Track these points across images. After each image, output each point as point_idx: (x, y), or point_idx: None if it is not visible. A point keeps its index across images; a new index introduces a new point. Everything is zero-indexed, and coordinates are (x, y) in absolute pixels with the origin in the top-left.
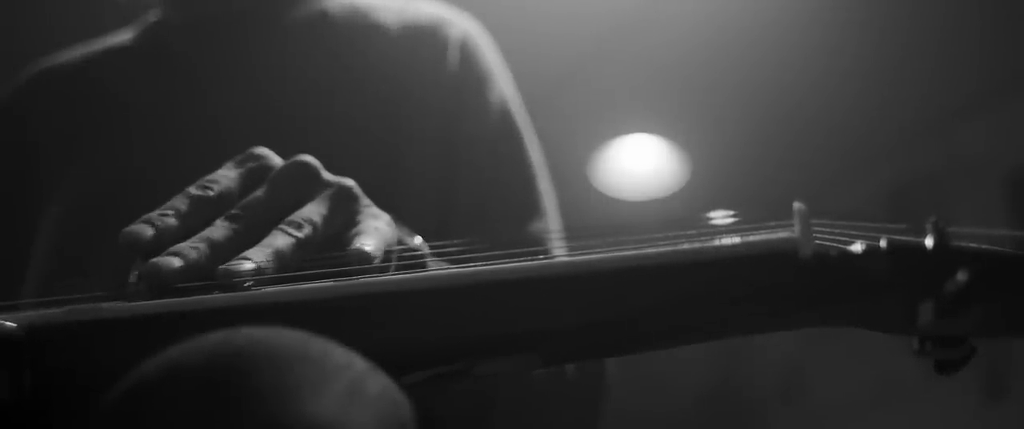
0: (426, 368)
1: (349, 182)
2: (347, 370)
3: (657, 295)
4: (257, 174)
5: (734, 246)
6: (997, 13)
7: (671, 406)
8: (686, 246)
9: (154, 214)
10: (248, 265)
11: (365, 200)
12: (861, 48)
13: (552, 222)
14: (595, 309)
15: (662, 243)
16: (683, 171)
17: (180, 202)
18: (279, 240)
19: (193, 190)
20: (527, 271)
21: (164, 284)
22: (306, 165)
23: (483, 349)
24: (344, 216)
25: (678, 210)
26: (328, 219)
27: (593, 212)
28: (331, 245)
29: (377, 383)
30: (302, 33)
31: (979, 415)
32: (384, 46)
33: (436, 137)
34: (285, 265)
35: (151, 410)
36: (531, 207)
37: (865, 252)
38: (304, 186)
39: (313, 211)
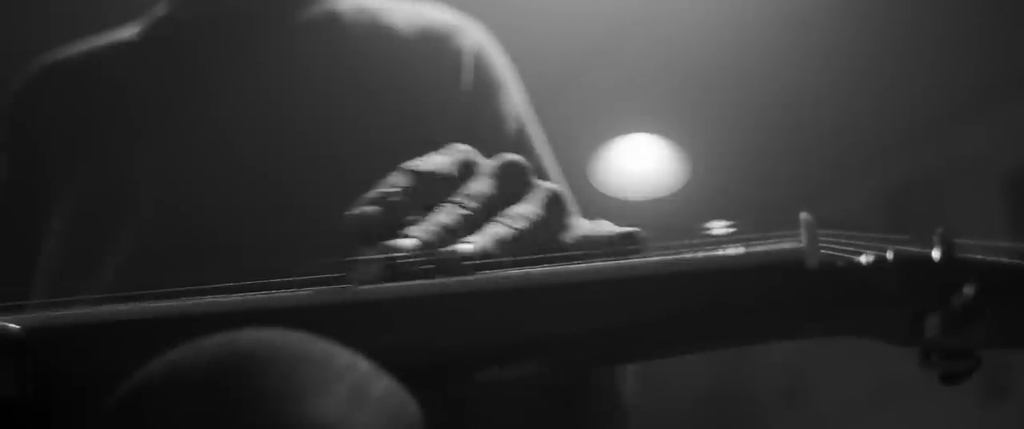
0: (430, 373)
1: (560, 189)
2: (350, 372)
3: (663, 304)
4: (467, 166)
5: (740, 256)
6: (997, 13)
7: (672, 407)
8: (690, 255)
9: (377, 193)
10: (471, 248)
11: (573, 209)
12: (861, 47)
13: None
14: (600, 317)
15: (666, 252)
16: (683, 171)
17: (402, 179)
18: (500, 230)
19: (414, 167)
20: (532, 279)
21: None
22: (522, 166)
23: (492, 356)
24: (557, 223)
25: (678, 210)
26: (543, 221)
27: (593, 212)
28: (539, 248)
29: (381, 385)
30: (312, 34)
31: (979, 415)
32: (397, 52)
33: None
34: (505, 255)
35: (153, 411)
36: None
37: (872, 264)
38: (519, 185)
39: (530, 211)
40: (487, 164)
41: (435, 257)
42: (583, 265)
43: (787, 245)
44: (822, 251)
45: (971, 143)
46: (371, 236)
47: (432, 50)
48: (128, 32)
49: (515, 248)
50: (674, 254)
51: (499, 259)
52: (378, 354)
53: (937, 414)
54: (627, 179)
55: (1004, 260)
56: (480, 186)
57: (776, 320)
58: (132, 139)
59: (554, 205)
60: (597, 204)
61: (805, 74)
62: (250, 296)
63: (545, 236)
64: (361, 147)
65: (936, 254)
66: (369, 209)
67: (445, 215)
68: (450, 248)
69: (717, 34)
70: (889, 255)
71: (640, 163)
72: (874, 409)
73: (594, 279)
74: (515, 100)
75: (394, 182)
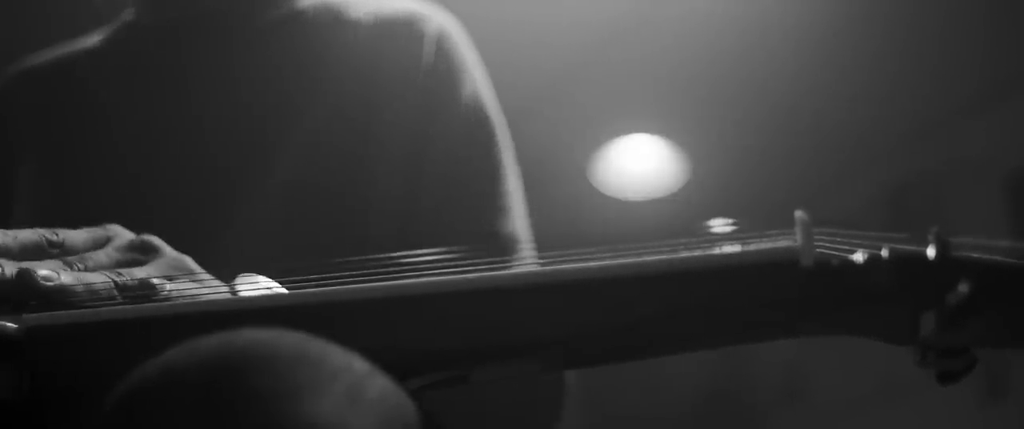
0: (433, 372)
1: (185, 259)
2: (346, 372)
3: (659, 303)
4: (104, 242)
5: (736, 255)
6: (997, 13)
7: (672, 407)
8: (687, 254)
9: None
10: (47, 273)
11: (199, 272)
12: (861, 47)
13: (517, 221)
14: (597, 316)
15: (662, 250)
16: (683, 171)
17: (26, 232)
18: (94, 277)
19: (41, 229)
20: (532, 278)
21: None
22: (148, 242)
23: (490, 355)
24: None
25: (678, 210)
26: (143, 282)
27: (593, 212)
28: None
29: (377, 385)
30: (276, 34)
31: (979, 415)
32: (357, 44)
33: (407, 135)
34: (93, 296)
35: (151, 412)
36: (493, 205)
37: (867, 262)
38: (142, 257)
39: (140, 270)
40: (123, 239)
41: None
42: (577, 265)
43: (783, 243)
44: (817, 250)
45: (972, 143)
46: None
47: (393, 41)
48: (96, 37)
49: (112, 293)
50: (671, 253)
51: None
52: (374, 354)
53: (937, 413)
54: (627, 179)
55: (1000, 259)
56: (96, 255)
57: (772, 318)
58: (102, 143)
59: (172, 269)
60: (597, 204)
61: (805, 74)
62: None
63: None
64: (320, 146)
65: (931, 252)
66: None
67: (44, 264)
68: (28, 268)
69: (717, 35)
70: (884, 253)
71: (640, 163)
72: (874, 408)
73: (592, 278)
74: (474, 87)
75: (16, 231)
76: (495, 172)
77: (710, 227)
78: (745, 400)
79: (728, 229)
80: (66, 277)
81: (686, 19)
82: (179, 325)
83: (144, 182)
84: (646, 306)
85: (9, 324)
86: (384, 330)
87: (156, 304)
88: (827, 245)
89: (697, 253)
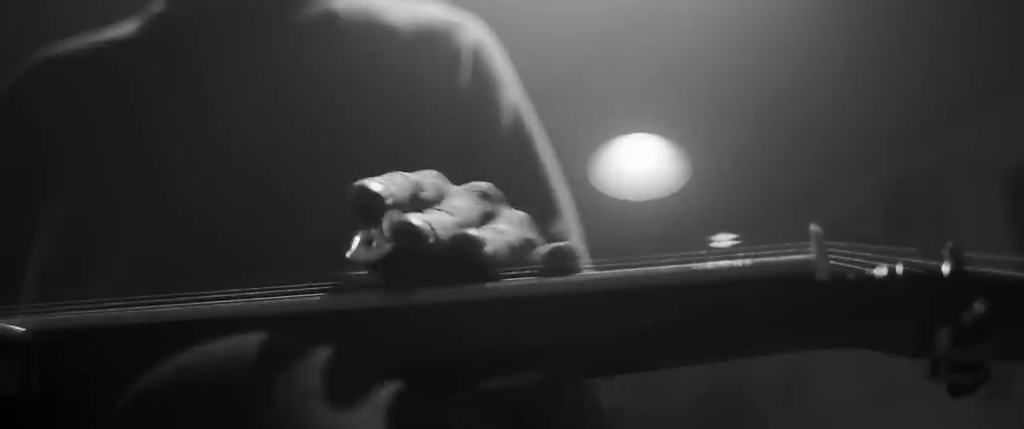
0: (438, 380)
1: (524, 215)
2: (357, 375)
3: (672, 315)
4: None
5: (751, 267)
6: (995, 13)
7: (671, 407)
8: (698, 266)
9: (381, 177)
10: (480, 235)
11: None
12: (860, 46)
13: (570, 222)
14: (609, 327)
15: (672, 261)
16: (683, 171)
17: (398, 177)
18: (505, 237)
19: (405, 173)
20: (541, 288)
21: (415, 240)
22: (498, 192)
23: (496, 364)
24: (533, 243)
25: (678, 211)
26: (526, 240)
27: (593, 212)
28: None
29: (391, 391)
30: (309, 33)
31: (979, 415)
32: (395, 50)
33: (447, 145)
34: (509, 262)
35: (164, 413)
36: (548, 209)
37: (882, 277)
38: (492, 207)
39: (514, 229)
40: (459, 187)
41: (446, 239)
42: (593, 275)
43: (797, 257)
44: (832, 263)
45: (970, 142)
46: (372, 212)
47: (430, 48)
48: (125, 28)
49: (513, 258)
50: (683, 264)
51: (506, 266)
52: (386, 359)
53: (936, 415)
54: (627, 179)
55: (1014, 275)
56: (460, 201)
57: (786, 331)
58: (130, 137)
59: (528, 226)
60: (597, 204)
61: (805, 74)
62: (258, 300)
63: (526, 253)
64: (358, 148)
65: (946, 268)
66: (370, 183)
67: (441, 213)
68: (464, 232)
69: (717, 34)
70: (899, 269)
71: (640, 163)
72: (873, 409)
73: (606, 289)
74: (513, 96)
75: (391, 176)
76: (543, 177)
77: (712, 241)
78: (744, 400)
79: (730, 243)
80: (492, 236)
81: (686, 19)
82: (192, 328)
83: (167, 174)
84: (658, 317)
85: (16, 327)
86: (400, 337)
87: (159, 305)
88: (841, 259)
89: (710, 265)
